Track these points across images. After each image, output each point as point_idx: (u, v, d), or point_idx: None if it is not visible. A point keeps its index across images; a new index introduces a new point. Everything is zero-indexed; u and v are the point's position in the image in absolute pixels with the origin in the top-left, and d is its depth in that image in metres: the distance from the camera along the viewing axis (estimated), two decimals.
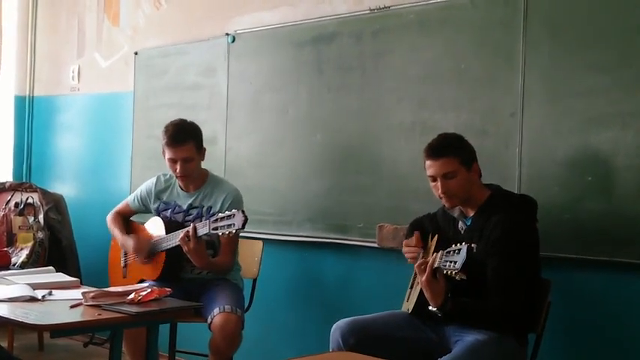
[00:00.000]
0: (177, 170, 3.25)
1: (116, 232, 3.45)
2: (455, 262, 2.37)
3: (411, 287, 2.77)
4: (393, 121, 3.30)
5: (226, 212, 2.95)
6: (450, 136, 2.70)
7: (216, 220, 2.96)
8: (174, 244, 3.14)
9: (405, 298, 2.79)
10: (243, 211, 2.89)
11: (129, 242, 3.34)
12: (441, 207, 2.80)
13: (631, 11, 2.67)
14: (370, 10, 3.39)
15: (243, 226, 2.87)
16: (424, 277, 2.48)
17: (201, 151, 3.31)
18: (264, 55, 3.82)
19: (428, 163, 2.65)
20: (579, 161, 2.75)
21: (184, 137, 3.23)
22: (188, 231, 3.02)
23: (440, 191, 2.62)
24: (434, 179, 2.64)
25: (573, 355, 2.84)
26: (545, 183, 2.83)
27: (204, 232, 3.01)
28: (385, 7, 3.34)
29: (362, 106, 3.41)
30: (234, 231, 2.89)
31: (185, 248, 3.04)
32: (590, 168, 2.73)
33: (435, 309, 2.50)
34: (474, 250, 2.42)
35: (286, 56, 3.72)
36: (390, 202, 3.28)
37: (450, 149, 2.62)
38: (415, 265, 2.58)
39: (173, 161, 3.25)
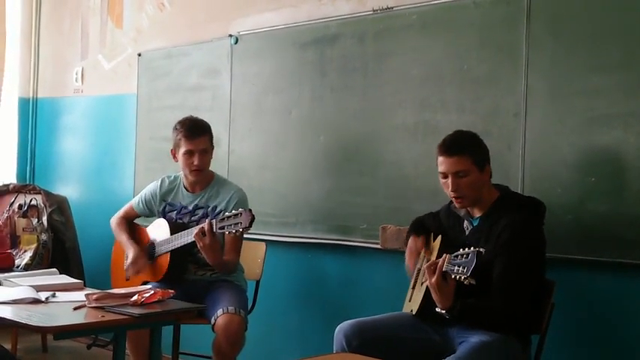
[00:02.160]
0: (195, 163, 3.24)
1: (122, 238, 3.44)
2: (464, 267, 2.34)
3: (413, 287, 2.77)
4: (395, 122, 3.29)
5: (233, 211, 2.96)
6: (465, 134, 2.66)
7: (223, 219, 2.97)
8: (179, 245, 3.15)
9: (407, 299, 2.78)
10: (250, 210, 2.90)
11: (130, 252, 3.33)
12: (445, 205, 2.79)
13: (634, 11, 2.66)
14: (373, 11, 3.39)
15: (251, 225, 2.88)
16: (434, 279, 2.45)
17: (212, 147, 3.33)
18: (267, 56, 3.82)
19: (440, 159, 2.60)
20: (583, 162, 2.75)
21: (202, 130, 3.28)
22: (203, 227, 3.02)
23: (450, 189, 2.59)
24: (445, 176, 2.60)
25: (576, 356, 2.83)
26: (549, 184, 2.82)
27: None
28: (388, 8, 3.34)
29: (364, 107, 3.41)
30: (241, 229, 2.90)
31: (200, 244, 3.04)
32: (594, 169, 2.72)
33: (443, 311, 2.48)
34: (483, 254, 2.38)
35: (289, 57, 3.71)
36: (393, 203, 3.27)
37: (465, 148, 2.58)
38: (425, 266, 2.55)
39: (190, 153, 3.24)
